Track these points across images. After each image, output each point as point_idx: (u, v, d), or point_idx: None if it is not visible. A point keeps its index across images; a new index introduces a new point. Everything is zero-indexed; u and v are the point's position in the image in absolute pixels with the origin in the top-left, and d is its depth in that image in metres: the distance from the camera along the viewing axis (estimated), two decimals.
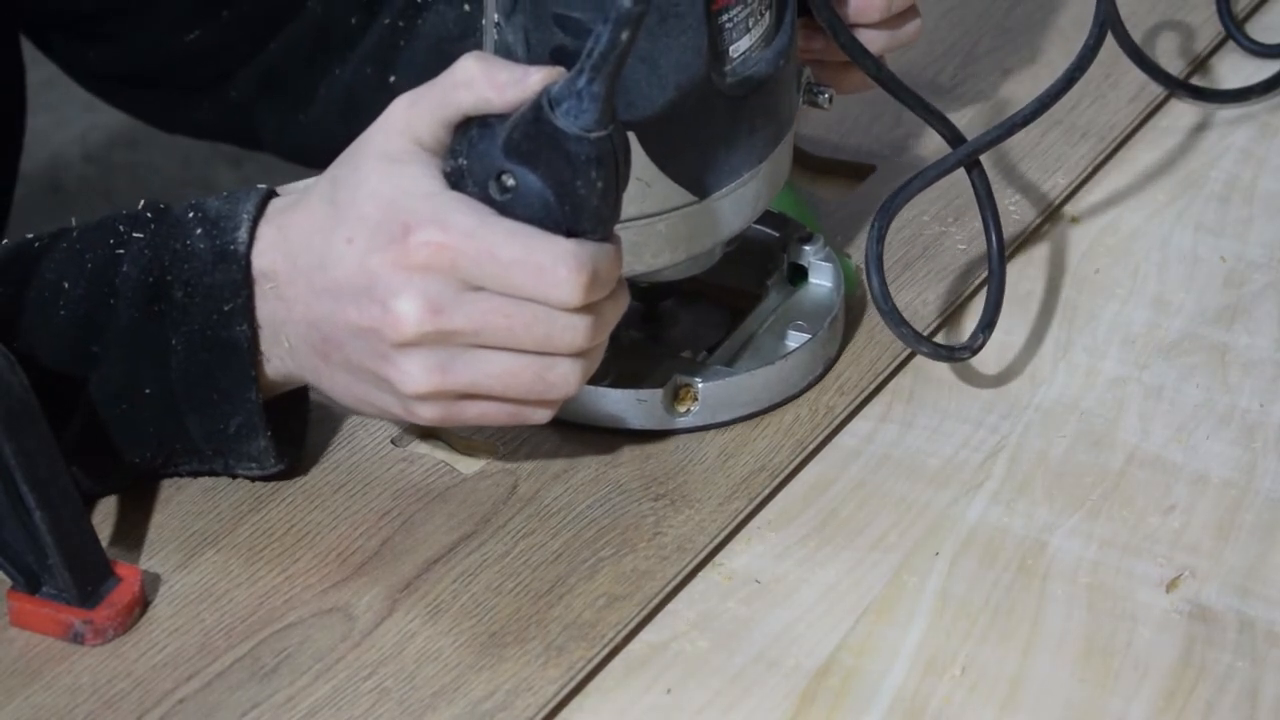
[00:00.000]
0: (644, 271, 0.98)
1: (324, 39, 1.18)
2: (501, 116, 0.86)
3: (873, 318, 1.09)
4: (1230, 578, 0.95)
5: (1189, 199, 1.21)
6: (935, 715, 0.88)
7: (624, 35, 0.81)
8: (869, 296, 1.02)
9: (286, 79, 1.19)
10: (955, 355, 1.04)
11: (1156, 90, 1.29)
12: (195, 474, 0.97)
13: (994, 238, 1.06)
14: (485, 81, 0.85)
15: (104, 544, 0.92)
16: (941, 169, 1.05)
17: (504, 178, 0.85)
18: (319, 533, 0.95)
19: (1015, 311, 1.11)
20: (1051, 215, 1.19)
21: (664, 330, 1.06)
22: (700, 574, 0.95)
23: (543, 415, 0.90)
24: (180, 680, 0.88)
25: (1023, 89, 1.28)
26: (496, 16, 0.93)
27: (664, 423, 1.01)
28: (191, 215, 0.92)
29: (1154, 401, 1.05)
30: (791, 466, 1.00)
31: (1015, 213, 1.18)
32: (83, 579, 0.89)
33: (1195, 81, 1.30)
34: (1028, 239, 1.17)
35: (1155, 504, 0.99)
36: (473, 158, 0.86)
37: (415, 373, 0.86)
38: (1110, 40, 1.25)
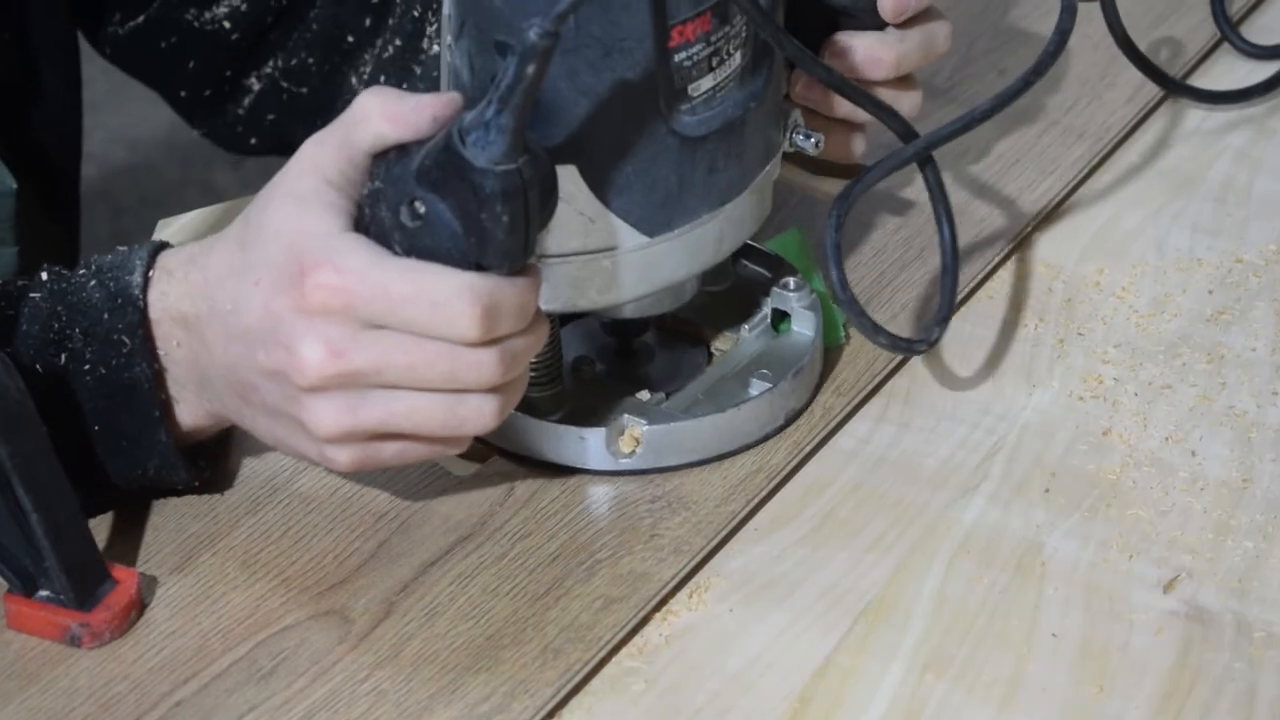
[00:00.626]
0: (589, 308, 0.96)
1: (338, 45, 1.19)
2: (420, 143, 0.85)
3: None
4: (1227, 579, 0.95)
5: (1186, 200, 1.21)
6: (932, 717, 0.88)
7: (529, 69, 0.80)
8: (830, 289, 0.99)
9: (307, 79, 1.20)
10: (913, 347, 1.03)
11: (1153, 91, 1.29)
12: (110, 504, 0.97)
13: (947, 232, 1.04)
14: (380, 114, 0.85)
15: (101, 547, 0.92)
16: (898, 160, 1.02)
17: (415, 204, 0.84)
18: (316, 535, 0.95)
19: (1012, 312, 1.11)
20: (1049, 216, 1.19)
21: (638, 368, 1.04)
22: (697, 576, 0.95)
23: (461, 447, 0.91)
24: (177, 683, 0.88)
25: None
26: (449, 39, 0.92)
27: (604, 464, 0.98)
28: (84, 271, 0.93)
29: (1151, 402, 1.05)
30: (789, 468, 1.00)
31: (1012, 213, 1.18)
32: (79, 582, 0.89)
33: (1191, 84, 1.30)
34: (1025, 240, 1.17)
35: (1152, 505, 0.99)
36: (388, 182, 0.85)
37: (324, 416, 0.86)
38: (1107, 41, 1.25)
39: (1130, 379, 1.07)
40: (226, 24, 1.18)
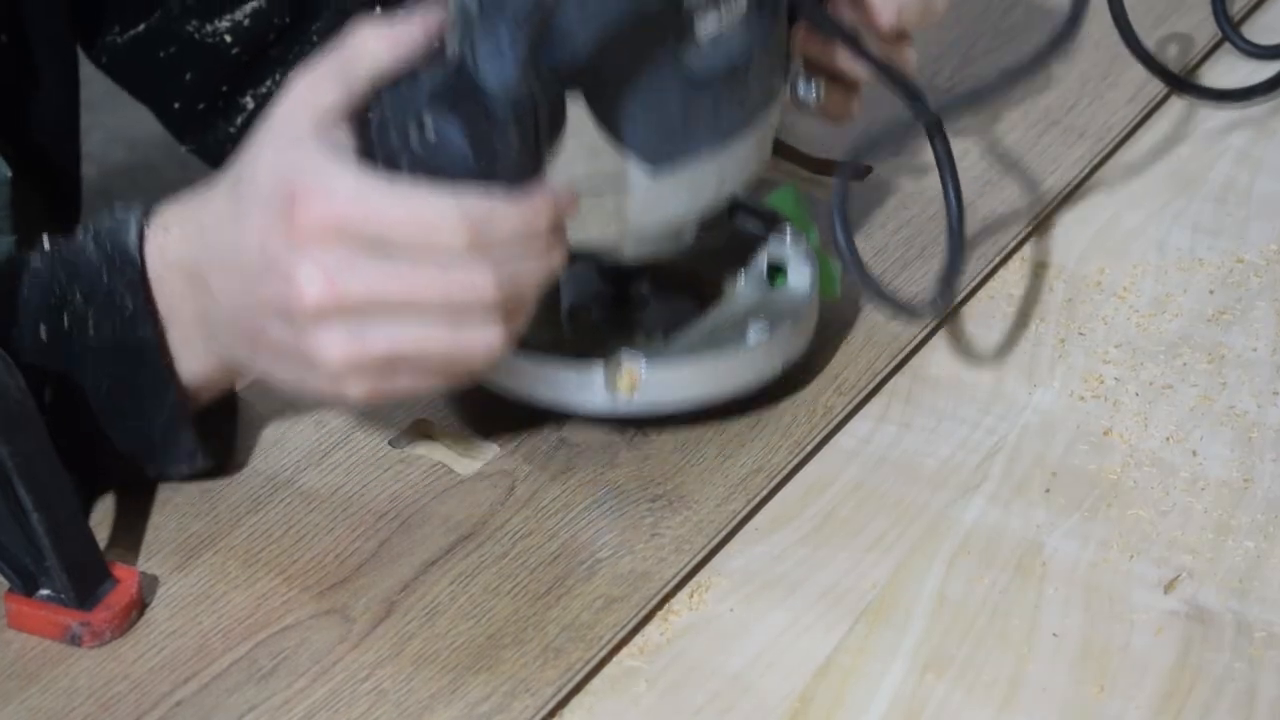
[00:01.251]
0: (589, 243, 0.95)
1: None
2: (428, 68, 0.85)
3: (869, 319, 1.09)
4: (1228, 579, 0.95)
5: (1186, 200, 1.21)
6: (933, 716, 0.87)
7: None
8: (837, 250, 0.99)
9: None
10: (917, 313, 1.03)
11: (1154, 91, 1.29)
12: (121, 481, 0.97)
13: (953, 198, 1.03)
14: (378, 42, 0.85)
15: (101, 546, 0.92)
16: (908, 123, 1.02)
17: (425, 127, 0.84)
18: (316, 535, 0.95)
19: (1012, 312, 1.11)
20: (1049, 215, 1.19)
21: (632, 315, 1.04)
22: (698, 575, 0.95)
23: (473, 375, 0.90)
24: (178, 682, 0.88)
25: (1020, 90, 1.28)
26: None
27: (603, 404, 0.98)
28: (83, 234, 0.92)
29: (1151, 402, 1.05)
30: (789, 467, 1.00)
31: (1013, 212, 1.18)
32: (80, 581, 0.89)
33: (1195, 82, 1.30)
34: (1025, 239, 1.17)
35: (1153, 505, 0.99)
36: (396, 106, 0.85)
37: (331, 345, 0.85)
38: (1109, 41, 1.25)
39: (1131, 379, 1.07)
40: (228, 38, 1.18)
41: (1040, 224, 1.18)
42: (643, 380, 0.98)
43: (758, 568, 0.95)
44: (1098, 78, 1.30)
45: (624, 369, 0.98)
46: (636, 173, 0.94)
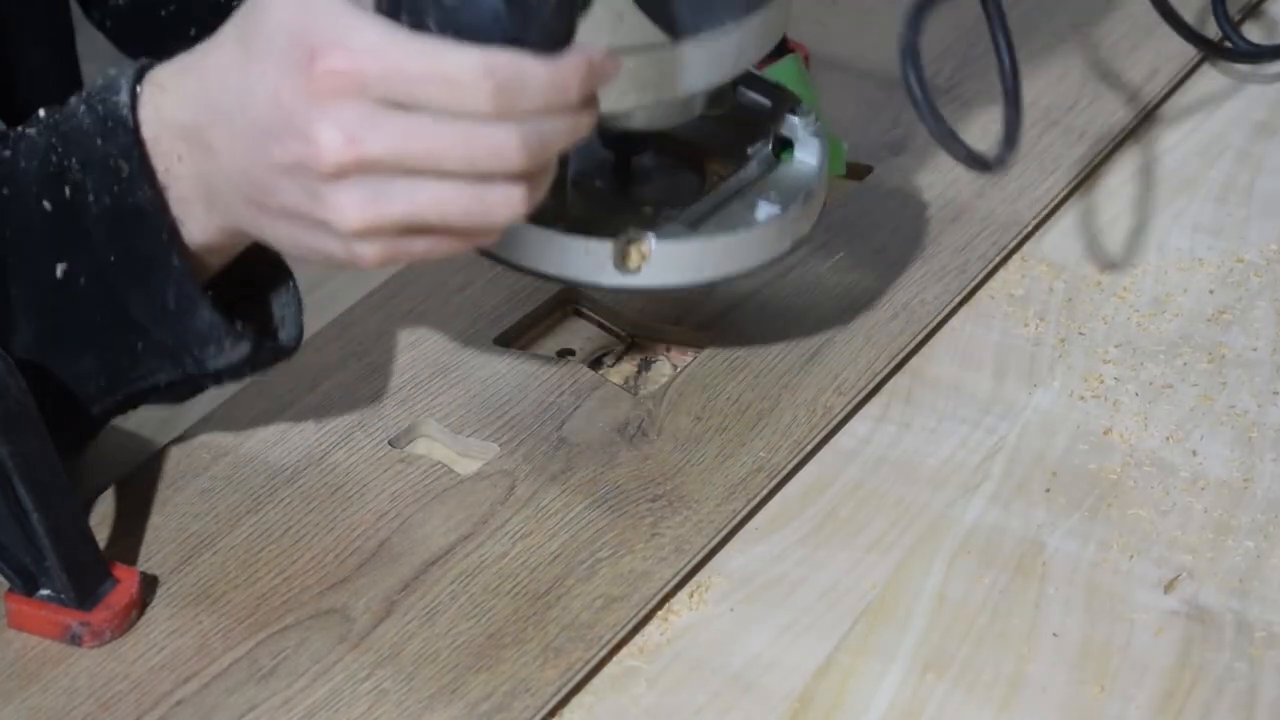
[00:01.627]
0: (608, 112, 0.92)
1: None
2: None
3: (869, 319, 1.09)
4: (1228, 579, 0.95)
5: (1187, 199, 1.21)
6: (933, 716, 0.88)
7: None
8: (913, 97, 0.95)
9: None
10: (986, 165, 0.99)
11: (1154, 91, 1.29)
12: (172, 386, 0.93)
13: (1007, 57, 1.01)
14: None
15: (101, 546, 0.92)
16: None
17: None
18: (316, 534, 0.95)
19: (1013, 312, 1.11)
20: (1049, 215, 1.19)
21: (634, 186, 1.02)
22: (698, 575, 0.95)
23: (490, 239, 0.86)
24: (178, 682, 0.88)
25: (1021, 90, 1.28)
26: None
27: (611, 279, 0.97)
28: (74, 99, 0.89)
29: (1151, 402, 1.05)
30: (789, 467, 1.00)
31: (1014, 212, 1.18)
32: (80, 581, 0.89)
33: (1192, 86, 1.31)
34: (1025, 239, 1.17)
35: (1153, 505, 0.99)
36: None
37: (348, 206, 0.82)
38: (1110, 40, 1.25)
39: (1131, 379, 1.07)
40: None
41: (1040, 224, 1.18)
42: (652, 256, 0.97)
43: (758, 568, 0.95)
44: (1098, 78, 1.30)
45: (633, 245, 0.96)
46: (658, 39, 0.92)
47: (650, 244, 0.97)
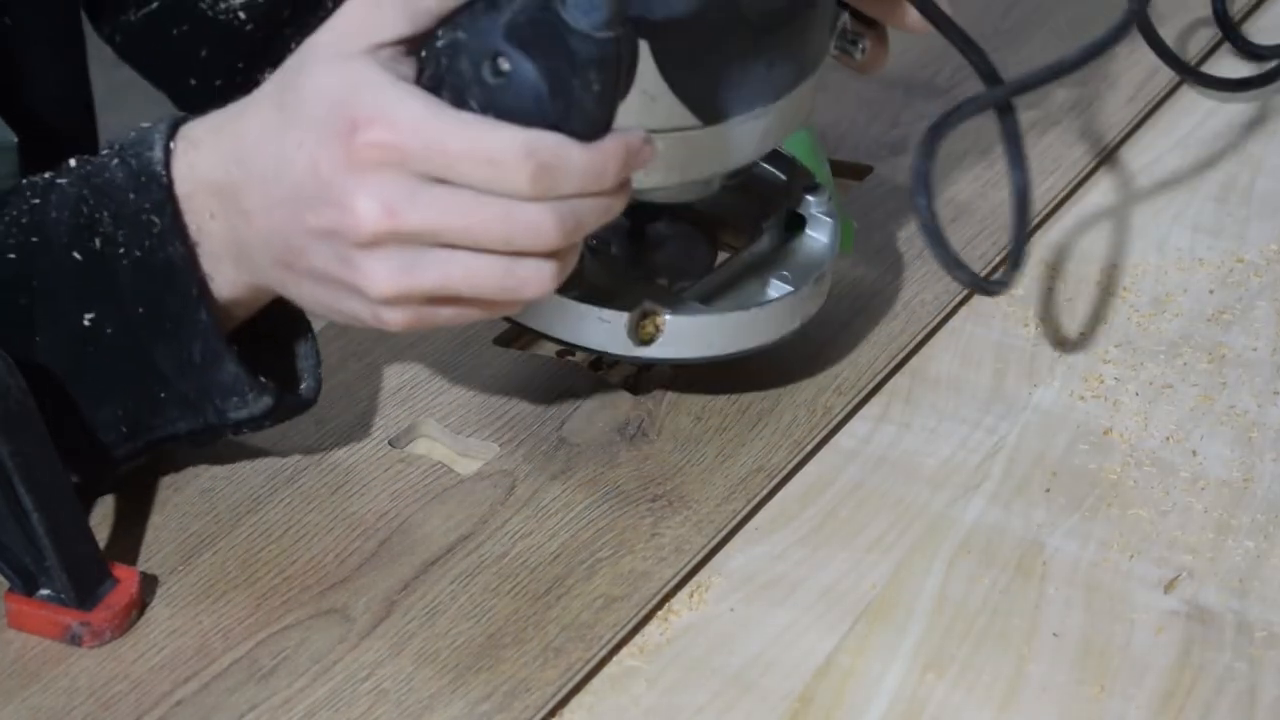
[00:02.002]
0: (635, 188, 0.92)
1: None
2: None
3: (868, 318, 1.09)
4: (1228, 578, 0.95)
5: (1186, 200, 1.21)
6: (933, 716, 0.87)
7: None
8: (921, 221, 0.97)
9: None
10: (990, 288, 1.02)
11: (1154, 91, 1.29)
12: (192, 435, 0.94)
13: (1019, 178, 1.02)
14: None
15: (101, 546, 0.92)
16: (983, 103, 1.01)
17: (500, 61, 0.81)
18: (316, 534, 0.95)
19: (1013, 312, 1.12)
20: (1049, 216, 1.19)
21: (647, 253, 1.03)
22: (698, 575, 0.95)
23: (516, 310, 0.89)
24: (178, 682, 0.88)
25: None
26: None
27: (624, 349, 0.98)
28: (107, 151, 0.90)
29: (1151, 402, 1.05)
30: (789, 467, 1.00)
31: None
32: (80, 581, 0.89)
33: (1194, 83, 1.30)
34: (1026, 239, 1.17)
35: (1153, 505, 0.99)
36: (473, 34, 0.82)
37: (380, 275, 0.83)
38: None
39: (1131, 379, 1.07)
40: (242, 14, 1.17)
41: (1040, 224, 1.18)
42: (666, 330, 0.98)
43: (758, 568, 0.95)
44: (1098, 78, 1.30)
45: (648, 319, 0.98)
46: (688, 123, 0.93)
47: (665, 318, 0.98)
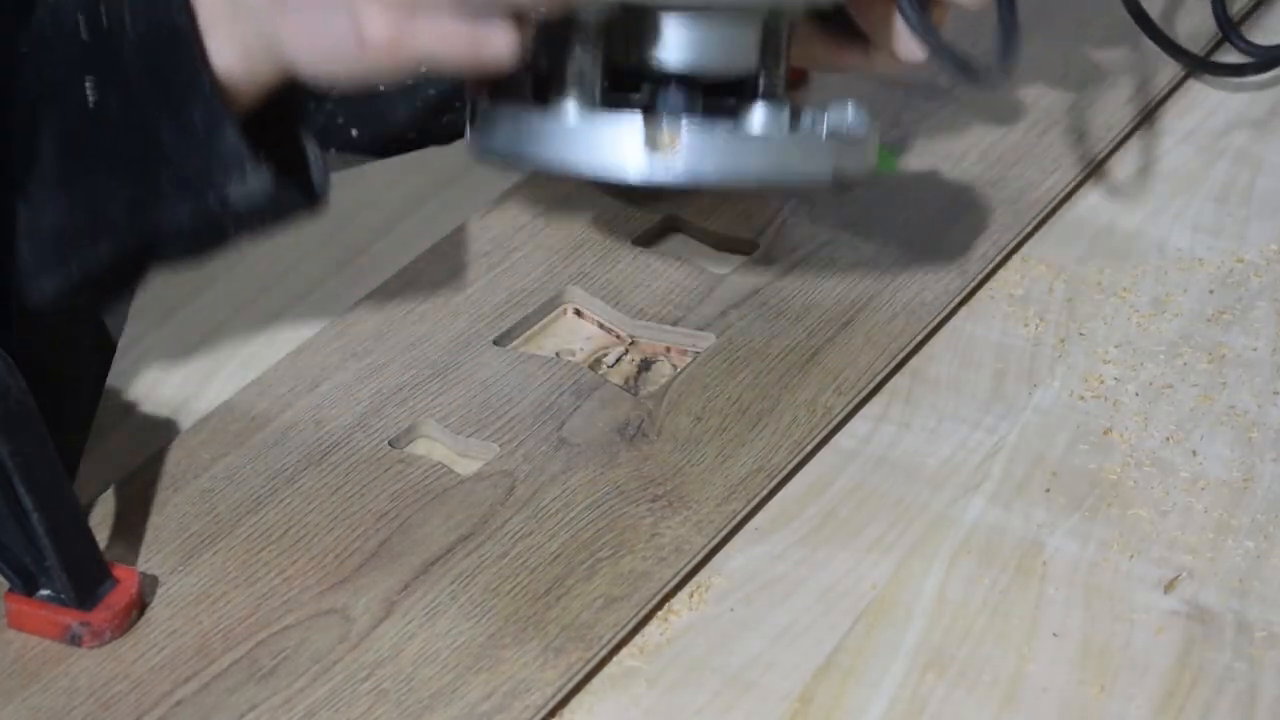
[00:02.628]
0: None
1: None
2: None
3: (869, 319, 1.09)
4: (1228, 579, 0.95)
5: (1186, 199, 1.21)
6: (933, 716, 0.88)
7: None
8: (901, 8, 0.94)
9: None
10: (977, 77, 0.97)
11: (1154, 91, 1.29)
12: (195, 230, 0.94)
13: None
14: None
15: (101, 546, 0.92)
16: None
17: None
18: (316, 535, 0.95)
19: (1013, 312, 1.11)
20: (1049, 215, 1.19)
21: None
22: (698, 575, 0.95)
23: (501, 41, 0.89)
24: (178, 682, 0.88)
25: (1021, 90, 1.28)
26: None
27: (636, 166, 0.93)
28: None
29: (1151, 402, 1.05)
30: (789, 467, 1.00)
31: (1013, 212, 1.18)
32: (80, 581, 0.89)
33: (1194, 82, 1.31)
34: (1025, 239, 1.17)
35: (1153, 505, 0.99)
36: None
37: None
38: (1111, 40, 1.25)
39: (1131, 379, 1.07)
40: None
41: (1040, 224, 1.18)
42: (683, 142, 0.93)
43: (758, 568, 0.95)
44: (1098, 78, 1.30)
45: (664, 127, 0.93)
46: None
47: (682, 127, 0.93)
